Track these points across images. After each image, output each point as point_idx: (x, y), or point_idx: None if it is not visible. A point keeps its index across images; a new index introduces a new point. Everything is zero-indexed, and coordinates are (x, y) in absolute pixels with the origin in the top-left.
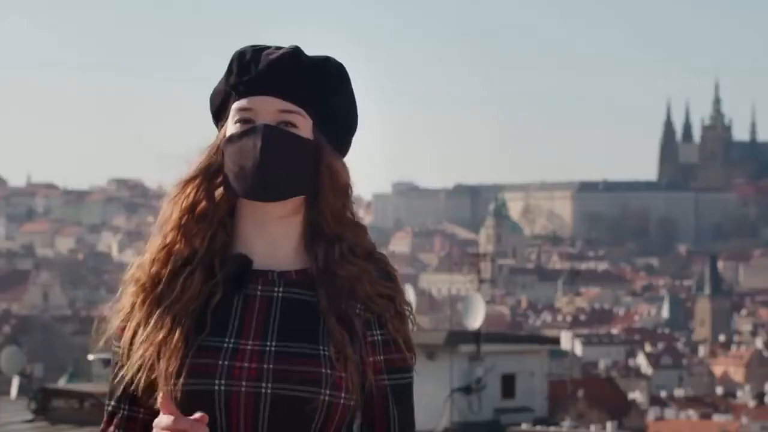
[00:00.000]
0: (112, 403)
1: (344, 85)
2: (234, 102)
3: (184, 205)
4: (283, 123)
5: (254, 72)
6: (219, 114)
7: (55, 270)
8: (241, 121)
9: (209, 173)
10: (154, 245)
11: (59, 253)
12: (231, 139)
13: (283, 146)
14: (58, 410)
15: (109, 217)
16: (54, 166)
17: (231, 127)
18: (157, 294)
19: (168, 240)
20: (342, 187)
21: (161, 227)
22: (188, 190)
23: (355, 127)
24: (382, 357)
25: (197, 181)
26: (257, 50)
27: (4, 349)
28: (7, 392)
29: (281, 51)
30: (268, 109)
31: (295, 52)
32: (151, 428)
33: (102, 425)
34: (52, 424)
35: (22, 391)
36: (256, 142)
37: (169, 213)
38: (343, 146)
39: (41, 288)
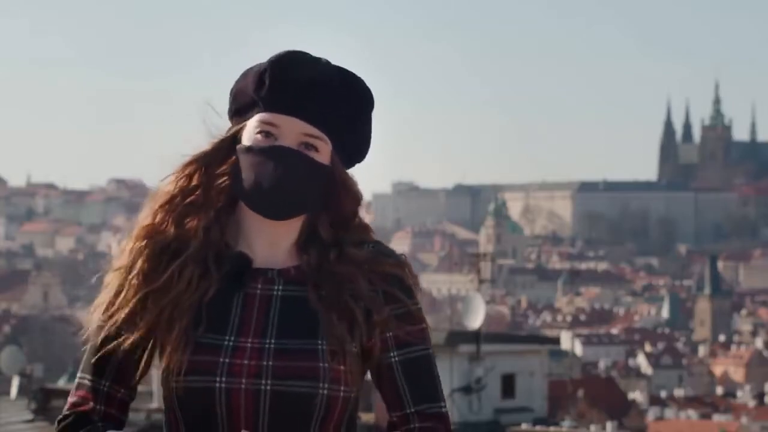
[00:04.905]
0: (91, 377)
1: (369, 112)
2: (259, 110)
3: (180, 186)
4: (305, 145)
5: (287, 91)
6: (238, 111)
7: (55, 270)
8: (263, 133)
9: (210, 161)
10: (144, 221)
11: (59, 253)
12: (251, 149)
13: (302, 172)
14: (58, 410)
15: (109, 217)
16: (54, 166)
17: (251, 135)
18: (150, 277)
19: (157, 219)
20: (354, 203)
21: (153, 204)
22: (186, 173)
23: (368, 150)
24: (388, 334)
25: (196, 166)
26: (292, 64)
27: (4, 349)
28: (7, 392)
29: (317, 71)
30: (294, 130)
31: (330, 74)
32: (126, 409)
33: (74, 398)
34: (52, 424)
35: (22, 391)
36: (276, 164)
37: (163, 192)
38: (354, 165)
39: (41, 288)
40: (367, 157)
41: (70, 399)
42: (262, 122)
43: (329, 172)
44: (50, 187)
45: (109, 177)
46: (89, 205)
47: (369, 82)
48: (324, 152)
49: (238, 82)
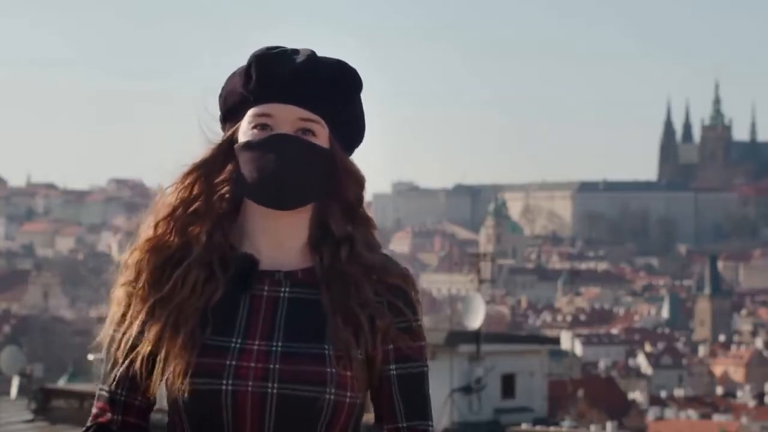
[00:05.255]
0: (108, 388)
1: (358, 93)
2: (250, 106)
3: (180, 196)
4: (302, 130)
5: (275, 80)
6: (230, 113)
7: (55, 270)
8: (259, 126)
9: (209, 169)
10: (146, 233)
11: (59, 253)
12: (249, 145)
13: (303, 157)
14: (58, 410)
15: (109, 217)
16: (54, 166)
17: (247, 132)
18: (155, 287)
19: (159, 231)
20: (358, 187)
21: (155, 216)
22: (186, 183)
23: (365, 132)
24: (389, 347)
25: (196, 175)
26: (275, 55)
27: (4, 349)
28: (7, 392)
29: (301, 58)
30: (288, 117)
31: (314, 59)
32: (146, 416)
33: (95, 409)
34: (52, 424)
35: (22, 391)
36: (277, 152)
37: (165, 203)
38: (353, 150)
39: (41, 288)
40: (367, 157)
41: (92, 410)
42: (256, 115)
43: (330, 156)
44: (50, 187)
45: (109, 177)
46: (89, 205)
47: (369, 82)
48: (322, 136)
49: (225, 86)
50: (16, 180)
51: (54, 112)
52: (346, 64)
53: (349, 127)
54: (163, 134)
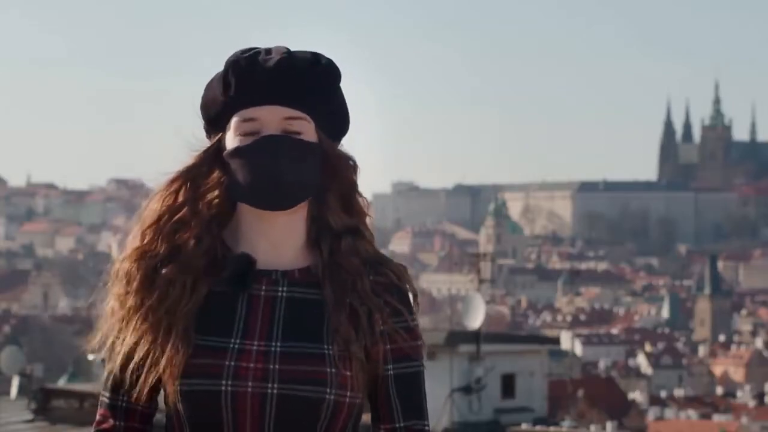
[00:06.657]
0: (109, 395)
1: (338, 83)
2: (233, 113)
3: (166, 204)
4: (288, 129)
5: (254, 82)
6: (213, 122)
7: (55, 270)
8: (246, 131)
9: (195, 175)
10: (133, 242)
11: (59, 253)
12: (239, 151)
13: (294, 156)
14: (58, 410)
15: (109, 217)
16: (54, 166)
17: (235, 138)
18: (146, 294)
19: (146, 239)
20: (351, 170)
21: (142, 224)
22: (172, 190)
23: (350, 120)
24: (387, 346)
25: (181, 182)
26: (250, 57)
27: (4, 349)
28: (7, 392)
29: (277, 57)
30: (274, 118)
31: (290, 55)
32: (149, 419)
33: (98, 416)
34: (52, 424)
35: (22, 391)
36: (269, 154)
37: (150, 211)
38: (340, 139)
39: (41, 288)
40: (367, 157)
41: (96, 417)
42: (242, 120)
43: (320, 149)
44: (50, 187)
45: (109, 177)
46: (89, 205)
47: (369, 82)
48: (309, 131)
49: (204, 95)
50: (16, 180)
51: (54, 112)
52: (322, 55)
53: (334, 116)
54: (163, 134)
